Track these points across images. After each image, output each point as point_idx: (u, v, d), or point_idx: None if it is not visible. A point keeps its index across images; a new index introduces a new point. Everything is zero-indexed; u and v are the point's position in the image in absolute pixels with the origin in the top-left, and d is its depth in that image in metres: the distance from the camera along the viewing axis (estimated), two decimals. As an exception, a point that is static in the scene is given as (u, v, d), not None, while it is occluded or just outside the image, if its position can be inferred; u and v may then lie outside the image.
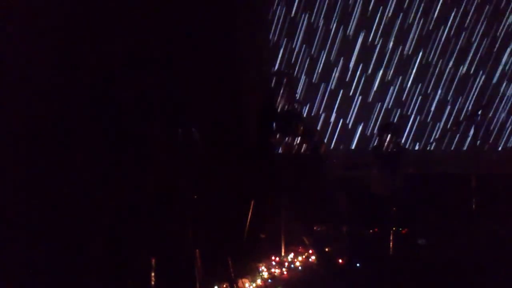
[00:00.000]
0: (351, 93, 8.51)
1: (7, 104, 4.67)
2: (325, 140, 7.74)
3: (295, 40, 8.53)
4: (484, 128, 7.98)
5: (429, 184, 6.92)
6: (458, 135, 8.17)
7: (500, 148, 8.15)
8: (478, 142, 6.91)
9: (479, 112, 6.26)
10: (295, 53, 8.54)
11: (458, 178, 6.65)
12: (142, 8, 5.39)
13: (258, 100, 6.49)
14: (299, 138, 6.40)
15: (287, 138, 6.40)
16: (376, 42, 8.40)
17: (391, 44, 8.39)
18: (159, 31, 5.47)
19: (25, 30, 4.76)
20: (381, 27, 8.37)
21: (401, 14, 8.31)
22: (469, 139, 8.00)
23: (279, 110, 6.47)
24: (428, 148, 8.31)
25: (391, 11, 8.35)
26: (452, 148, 8.24)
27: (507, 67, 8.09)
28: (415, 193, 6.63)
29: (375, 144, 6.97)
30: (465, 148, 8.12)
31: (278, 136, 6.41)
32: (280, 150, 6.53)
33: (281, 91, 6.45)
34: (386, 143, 6.55)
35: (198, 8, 5.85)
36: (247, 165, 6.05)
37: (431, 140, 8.30)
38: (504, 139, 8.14)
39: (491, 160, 7.49)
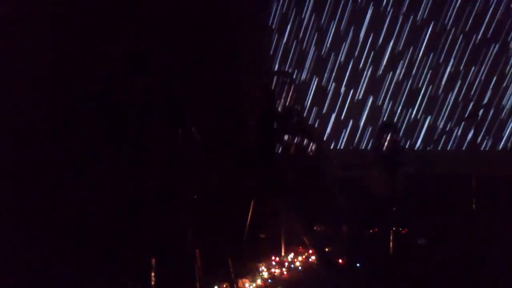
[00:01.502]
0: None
1: (8, 104, 4.67)
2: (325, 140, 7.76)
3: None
4: (484, 128, 7.99)
5: (429, 184, 6.92)
6: (458, 135, 8.18)
7: (500, 148, 8.15)
8: (478, 142, 6.90)
9: (479, 112, 6.25)
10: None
11: (458, 178, 6.64)
12: (143, 9, 5.39)
13: (258, 99, 6.49)
14: (299, 138, 6.40)
15: (287, 138, 6.40)
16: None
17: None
18: (160, 32, 5.47)
19: (26, 30, 4.77)
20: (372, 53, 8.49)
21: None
22: (468, 139, 8.01)
23: (279, 109, 6.47)
24: (428, 148, 8.32)
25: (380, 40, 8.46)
26: (452, 148, 8.24)
27: (507, 69, 8.09)
28: (415, 193, 6.63)
29: (375, 144, 6.96)
30: (464, 148, 8.13)
31: (278, 136, 6.41)
32: (280, 150, 6.53)
33: (281, 91, 6.45)
34: (385, 143, 6.55)
35: (198, 9, 5.86)
36: (247, 165, 6.05)
37: (431, 140, 8.30)
38: (504, 139, 8.14)
39: (491, 160, 7.48)
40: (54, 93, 4.91)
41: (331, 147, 8.44)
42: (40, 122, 4.80)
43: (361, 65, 8.54)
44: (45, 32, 4.85)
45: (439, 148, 8.29)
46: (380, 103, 8.49)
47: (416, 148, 8.42)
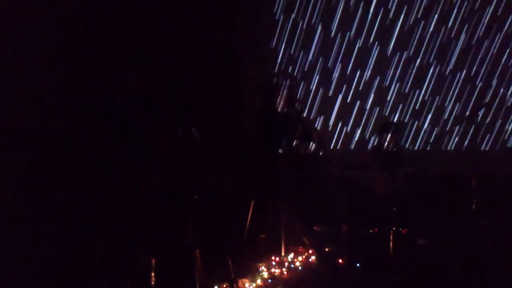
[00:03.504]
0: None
1: (9, 104, 4.67)
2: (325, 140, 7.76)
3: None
4: (484, 128, 8.00)
5: (429, 184, 6.92)
6: (458, 135, 8.18)
7: (499, 148, 8.15)
8: (478, 142, 6.91)
9: (479, 112, 6.27)
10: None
11: (458, 178, 6.65)
12: (144, 8, 5.40)
13: (258, 100, 6.49)
14: (299, 138, 6.39)
15: (287, 138, 6.40)
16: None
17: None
18: (160, 32, 5.47)
19: (26, 30, 4.77)
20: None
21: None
22: (468, 139, 8.02)
23: (279, 110, 6.47)
24: (428, 148, 8.32)
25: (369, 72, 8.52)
26: (452, 148, 8.25)
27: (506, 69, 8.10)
28: (415, 193, 6.62)
29: (374, 144, 6.96)
30: (465, 148, 8.14)
31: (278, 136, 6.41)
32: (280, 151, 6.53)
33: (282, 91, 6.45)
34: (385, 143, 6.54)
35: (199, 9, 5.86)
36: (247, 165, 6.05)
37: (431, 140, 8.30)
38: (504, 139, 8.15)
39: (491, 160, 7.49)
40: (55, 93, 4.91)
41: (331, 147, 8.44)
42: (40, 122, 4.81)
43: (362, 63, 8.56)
44: (45, 32, 4.86)
45: (439, 148, 8.30)
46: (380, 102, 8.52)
47: (416, 148, 8.43)
